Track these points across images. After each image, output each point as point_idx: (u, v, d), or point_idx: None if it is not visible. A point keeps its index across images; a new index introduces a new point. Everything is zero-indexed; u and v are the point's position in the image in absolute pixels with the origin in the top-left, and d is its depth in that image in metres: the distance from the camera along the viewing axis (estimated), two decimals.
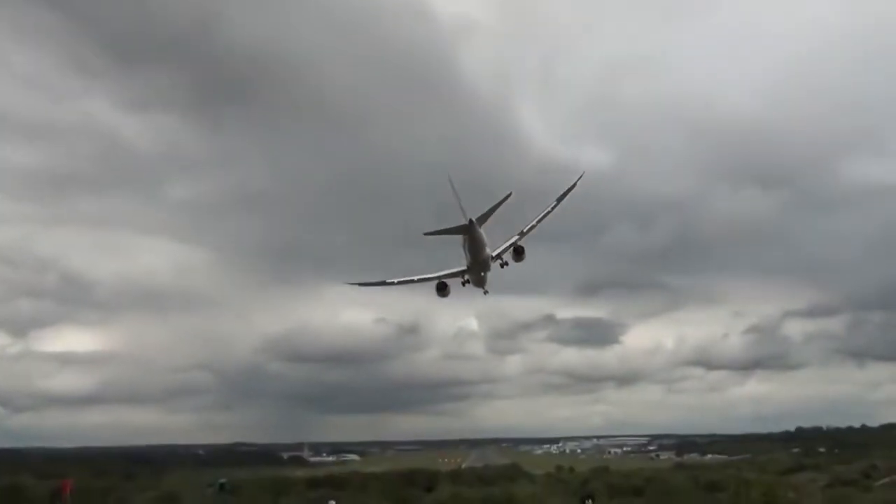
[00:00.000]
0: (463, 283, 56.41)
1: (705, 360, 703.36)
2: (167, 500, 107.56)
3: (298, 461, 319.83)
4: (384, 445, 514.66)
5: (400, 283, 56.84)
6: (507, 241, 55.26)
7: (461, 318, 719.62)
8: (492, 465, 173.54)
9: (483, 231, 51.81)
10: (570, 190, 55.00)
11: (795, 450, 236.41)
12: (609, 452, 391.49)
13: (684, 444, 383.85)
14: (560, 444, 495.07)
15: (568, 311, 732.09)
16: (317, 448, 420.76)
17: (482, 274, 55.77)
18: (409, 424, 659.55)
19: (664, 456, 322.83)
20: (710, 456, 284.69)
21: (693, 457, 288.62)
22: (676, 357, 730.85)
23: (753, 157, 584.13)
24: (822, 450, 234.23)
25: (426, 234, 50.40)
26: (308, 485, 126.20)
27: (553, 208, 55.06)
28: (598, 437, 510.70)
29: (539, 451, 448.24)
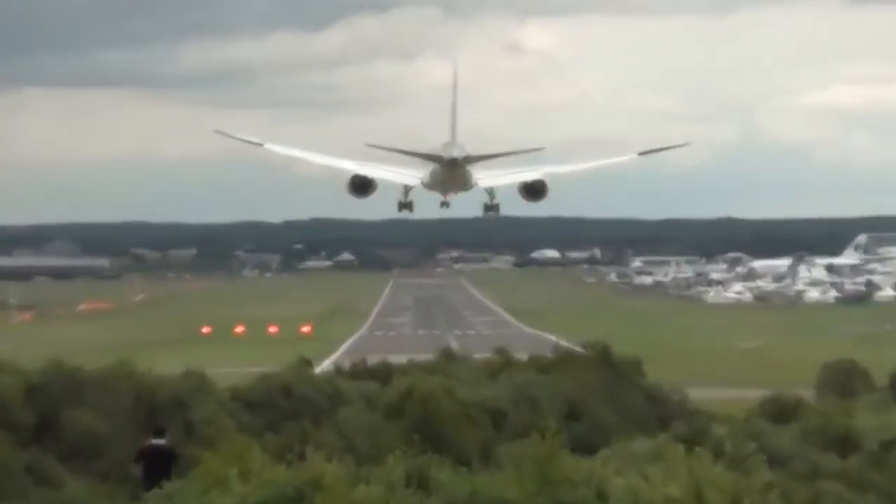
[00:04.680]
0: (401, 207, 48.91)
1: None
2: None
3: None
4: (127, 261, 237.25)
5: (325, 165, 52.25)
6: (518, 173, 46.24)
7: None
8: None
9: (471, 169, 45.84)
10: (613, 162, 55.60)
11: None
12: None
13: None
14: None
15: None
16: None
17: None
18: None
19: None
20: None
21: None
22: None
23: None
24: None
25: (393, 149, 44.95)
26: None
27: (591, 168, 54.67)
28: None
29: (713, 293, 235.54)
